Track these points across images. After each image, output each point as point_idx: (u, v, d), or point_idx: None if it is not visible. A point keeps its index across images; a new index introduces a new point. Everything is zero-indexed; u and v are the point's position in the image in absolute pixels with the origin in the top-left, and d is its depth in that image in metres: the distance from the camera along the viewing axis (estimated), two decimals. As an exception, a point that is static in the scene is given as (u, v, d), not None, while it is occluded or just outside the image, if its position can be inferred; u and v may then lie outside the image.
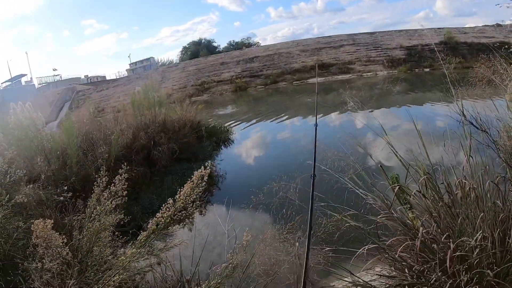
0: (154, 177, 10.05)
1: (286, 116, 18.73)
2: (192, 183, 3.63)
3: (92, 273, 3.51)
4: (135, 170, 9.42)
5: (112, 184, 3.93)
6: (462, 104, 4.44)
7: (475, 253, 2.73)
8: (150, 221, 3.54)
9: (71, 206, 5.28)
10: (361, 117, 12.23)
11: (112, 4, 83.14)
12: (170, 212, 3.49)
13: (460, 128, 3.99)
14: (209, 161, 3.87)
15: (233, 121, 19.21)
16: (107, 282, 3.20)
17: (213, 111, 24.00)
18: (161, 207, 3.57)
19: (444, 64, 5.42)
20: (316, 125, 3.94)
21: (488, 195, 3.23)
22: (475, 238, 2.76)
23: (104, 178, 4.04)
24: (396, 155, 3.81)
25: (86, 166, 8.19)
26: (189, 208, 3.61)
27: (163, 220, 3.47)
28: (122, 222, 4.39)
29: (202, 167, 3.71)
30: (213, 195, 9.19)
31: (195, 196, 3.63)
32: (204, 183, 3.70)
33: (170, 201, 3.58)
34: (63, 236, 3.25)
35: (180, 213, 3.60)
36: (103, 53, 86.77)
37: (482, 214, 3.01)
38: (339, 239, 4.16)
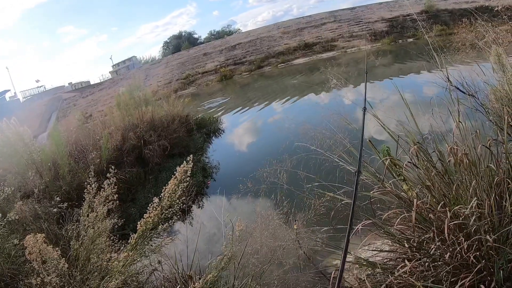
0: (148, 176, 10.00)
1: (273, 100, 18.68)
2: (175, 179, 3.60)
3: (92, 281, 3.48)
4: (128, 172, 9.39)
5: (102, 189, 3.87)
6: (447, 71, 4.41)
7: (472, 220, 2.71)
8: (139, 223, 3.50)
9: (68, 216, 5.23)
10: (349, 93, 12.24)
11: (87, 8, 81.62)
12: (156, 212, 3.46)
13: (448, 95, 3.96)
14: (191, 156, 3.79)
15: (221, 111, 19.19)
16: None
17: (200, 103, 23.86)
18: (148, 207, 3.55)
19: (426, 32, 5.38)
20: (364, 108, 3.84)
21: (481, 159, 3.20)
22: (471, 204, 2.74)
23: (93, 185, 3.97)
24: (384, 128, 3.78)
25: (79, 174, 8.13)
26: (175, 205, 3.58)
27: (150, 220, 3.44)
28: (117, 226, 4.36)
29: (185, 162, 3.67)
30: (208, 187, 9.19)
31: (180, 192, 3.59)
32: (188, 177, 3.66)
33: (156, 200, 3.55)
34: (57, 248, 3.21)
35: (167, 211, 3.57)
36: (85, 58, 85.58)
37: (477, 179, 2.99)
38: (333, 218, 4.13)
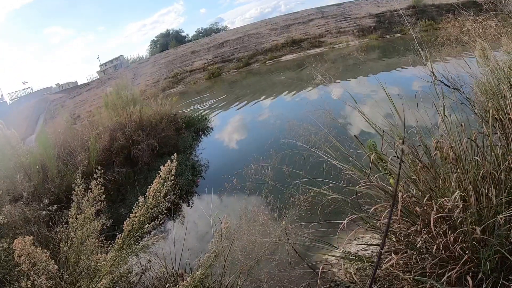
0: (137, 176, 9.95)
1: (261, 97, 18.74)
2: (160, 178, 3.60)
3: (82, 282, 3.47)
4: (117, 172, 9.35)
5: (90, 190, 3.86)
6: (431, 65, 4.44)
7: (457, 212, 2.74)
8: (125, 222, 3.49)
9: (58, 218, 5.19)
10: (336, 90, 12.28)
11: (74, 7, 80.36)
12: (142, 211, 3.45)
13: (433, 89, 3.98)
14: (175, 154, 3.78)
15: (209, 109, 19.16)
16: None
17: (189, 101, 23.80)
18: (133, 208, 3.54)
19: (412, 28, 5.41)
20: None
21: (467, 152, 3.24)
22: (453, 197, 2.77)
23: (81, 186, 3.95)
24: (369, 122, 3.80)
25: (68, 175, 8.07)
26: (161, 204, 3.58)
27: (136, 220, 3.44)
28: (107, 226, 4.35)
29: (169, 160, 3.68)
30: (198, 185, 9.19)
31: (165, 191, 3.59)
32: (173, 176, 3.66)
33: (141, 199, 3.54)
34: (46, 250, 3.20)
35: (152, 210, 3.57)
36: (73, 59, 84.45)
37: (462, 172, 3.03)
38: (320, 213, 4.15)
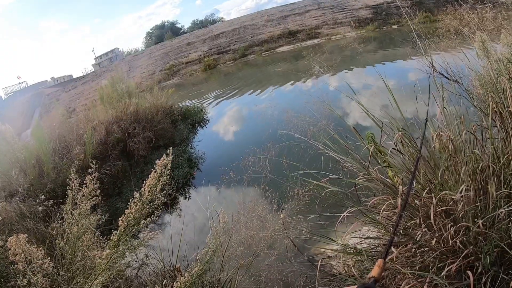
0: (134, 169, 9.92)
1: (257, 88, 18.68)
2: (155, 173, 3.55)
3: (78, 279, 3.44)
4: (113, 165, 9.30)
5: (85, 185, 3.82)
6: (431, 57, 4.40)
7: (460, 206, 2.72)
8: (120, 219, 3.45)
9: (54, 213, 5.16)
10: (334, 81, 12.24)
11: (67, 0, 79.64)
12: (137, 207, 3.41)
13: (432, 81, 3.94)
14: (171, 148, 3.75)
15: (205, 101, 19.09)
16: (90, 286, 3.15)
17: (185, 93, 23.71)
18: (128, 203, 3.49)
19: (410, 19, 5.36)
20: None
21: (466, 145, 3.21)
22: (458, 190, 2.74)
23: (76, 181, 3.91)
24: (368, 114, 3.75)
25: (64, 170, 8.02)
26: (157, 199, 3.54)
27: (131, 216, 3.39)
28: (104, 220, 4.32)
29: (164, 154, 3.63)
30: (194, 177, 9.18)
31: (161, 186, 3.55)
32: (169, 170, 3.62)
33: (137, 195, 3.49)
34: (41, 248, 3.16)
35: (148, 205, 3.53)
36: (68, 52, 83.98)
37: (462, 165, 2.99)
38: (318, 207, 4.14)
